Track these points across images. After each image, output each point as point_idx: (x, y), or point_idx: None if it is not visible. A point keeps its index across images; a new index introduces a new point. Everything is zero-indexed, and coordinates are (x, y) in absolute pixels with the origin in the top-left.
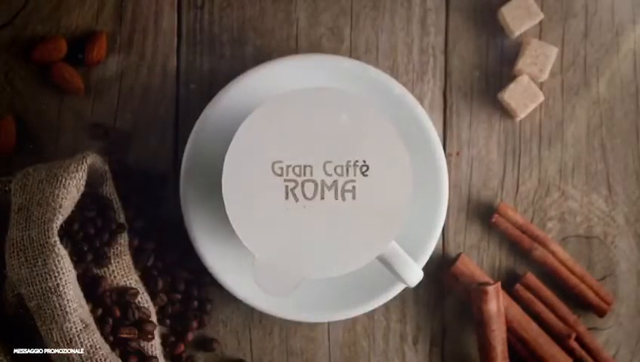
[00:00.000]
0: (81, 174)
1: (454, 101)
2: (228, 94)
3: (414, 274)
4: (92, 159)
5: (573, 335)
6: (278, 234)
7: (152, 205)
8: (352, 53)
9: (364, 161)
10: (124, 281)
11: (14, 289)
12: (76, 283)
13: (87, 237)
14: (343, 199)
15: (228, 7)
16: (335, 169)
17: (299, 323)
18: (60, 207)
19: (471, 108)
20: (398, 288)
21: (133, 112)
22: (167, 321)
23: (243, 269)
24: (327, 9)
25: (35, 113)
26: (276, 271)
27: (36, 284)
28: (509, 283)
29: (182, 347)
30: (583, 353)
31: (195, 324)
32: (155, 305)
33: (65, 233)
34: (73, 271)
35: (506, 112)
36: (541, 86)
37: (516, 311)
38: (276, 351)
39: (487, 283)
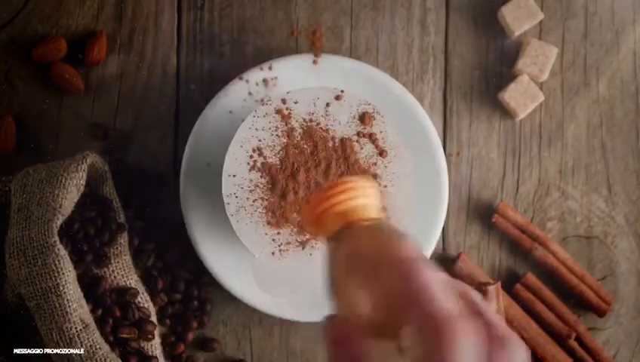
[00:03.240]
0: (81, 174)
1: (454, 101)
2: (228, 94)
3: None
4: (92, 159)
5: (573, 335)
6: (278, 234)
7: (152, 205)
8: (352, 53)
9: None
10: (124, 281)
11: (14, 289)
12: (76, 283)
13: (87, 237)
14: None
15: (228, 7)
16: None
17: (299, 323)
18: (60, 206)
19: (471, 108)
20: None
21: (133, 112)
22: (167, 321)
23: (243, 269)
24: (327, 9)
25: (35, 113)
26: (276, 272)
27: (36, 284)
28: (509, 283)
29: (182, 347)
30: (583, 353)
31: (195, 324)
32: (155, 305)
33: (65, 233)
34: (73, 271)
35: (506, 112)
36: (541, 86)
37: (516, 311)
38: (276, 352)
39: (487, 283)
